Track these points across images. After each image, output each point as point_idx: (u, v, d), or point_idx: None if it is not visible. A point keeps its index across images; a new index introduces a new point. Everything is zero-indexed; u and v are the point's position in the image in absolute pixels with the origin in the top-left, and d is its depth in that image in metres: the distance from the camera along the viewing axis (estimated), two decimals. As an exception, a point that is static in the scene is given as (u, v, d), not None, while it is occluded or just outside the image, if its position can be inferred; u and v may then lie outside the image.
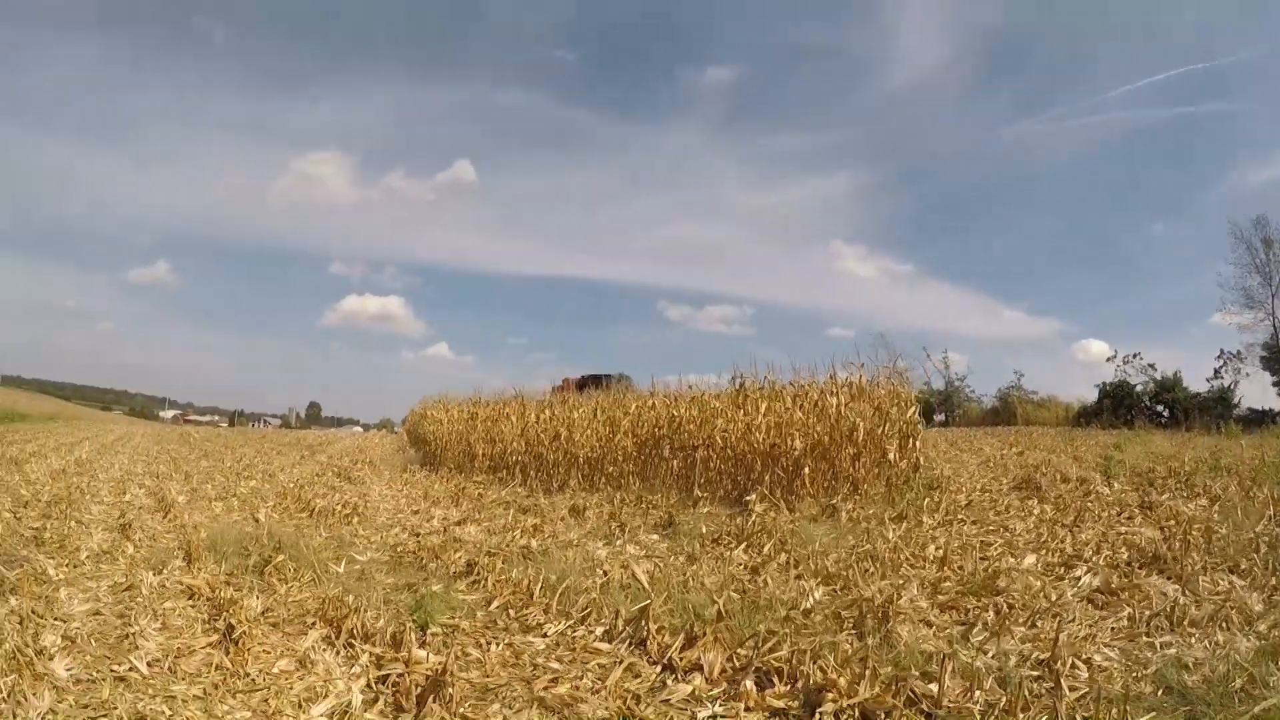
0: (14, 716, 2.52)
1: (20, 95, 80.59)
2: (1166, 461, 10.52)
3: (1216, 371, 23.37)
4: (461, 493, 9.91)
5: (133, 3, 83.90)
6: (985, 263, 71.65)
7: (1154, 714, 2.41)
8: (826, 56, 74.62)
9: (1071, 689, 2.64)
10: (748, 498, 7.67)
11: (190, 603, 4.02)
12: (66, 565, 4.70)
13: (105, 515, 6.63)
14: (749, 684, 2.72)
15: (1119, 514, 6.53)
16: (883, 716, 2.50)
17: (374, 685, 2.91)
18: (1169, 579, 4.25)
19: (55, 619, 3.55)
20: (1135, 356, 24.34)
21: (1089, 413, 23.39)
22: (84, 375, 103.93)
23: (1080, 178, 64.62)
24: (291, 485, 9.92)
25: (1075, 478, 9.16)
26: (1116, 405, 22.73)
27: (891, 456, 8.06)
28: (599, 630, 3.51)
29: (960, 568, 4.63)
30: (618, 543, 5.94)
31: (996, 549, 5.22)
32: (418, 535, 6.42)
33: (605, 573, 4.65)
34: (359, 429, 45.73)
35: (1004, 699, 2.54)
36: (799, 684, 2.70)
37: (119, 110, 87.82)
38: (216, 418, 69.78)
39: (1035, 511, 6.80)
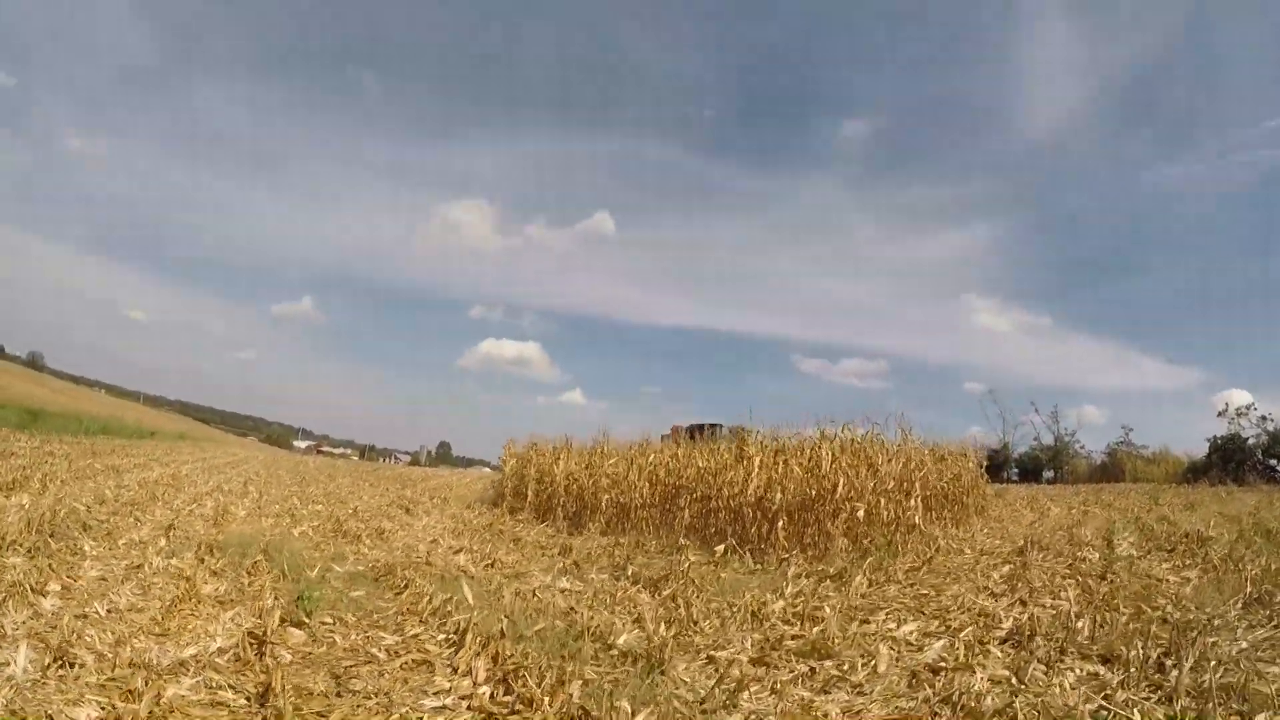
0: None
1: (184, 131, 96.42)
2: (1223, 525, 9.69)
3: None
4: (495, 528, 11.01)
5: (288, 52, 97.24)
6: (1125, 313, 70.59)
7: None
8: (961, 107, 74.91)
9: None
10: (718, 547, 8.17)
11: (171, 580, 5.28)
12: (103, 547, 6.20)
13: (163, 518, 8.29)
14: (484, 689, 3.44)
15: (1069, 580, 6.37)
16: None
17: (242, 641, 3.90)
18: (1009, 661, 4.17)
19: (67, 576, 4.91)
20: (1250, 408, 22.00)
21: (1197, 469, 21.32)
22: (227, 402, 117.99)
23: (1222, 220, 62.75)
24: (350, 512, 11.47)
25: (1089, 539, 8.67)
26: (1226, 460, 20.57)
27: (860, 515, 8.20)
28: (440, 636, 4.32)
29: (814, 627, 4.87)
30: (563, 579, 6.68)
31: (884, 616, 5.32)
32: (409, 557, 7.50)
33: (502, 596, 5.45)
34: (487, 469, 48.92)
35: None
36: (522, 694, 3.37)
37: (273, 150, 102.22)
38: (349, 451, 76.96)
39: (997, 575, 6.73)
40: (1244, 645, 4.25)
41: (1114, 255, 71.12)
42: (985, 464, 28.56)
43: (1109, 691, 3.61)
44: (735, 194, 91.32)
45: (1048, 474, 27.90)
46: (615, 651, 4.16)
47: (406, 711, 3.23)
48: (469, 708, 3.30)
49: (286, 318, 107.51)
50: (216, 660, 3.63)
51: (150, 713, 2.92)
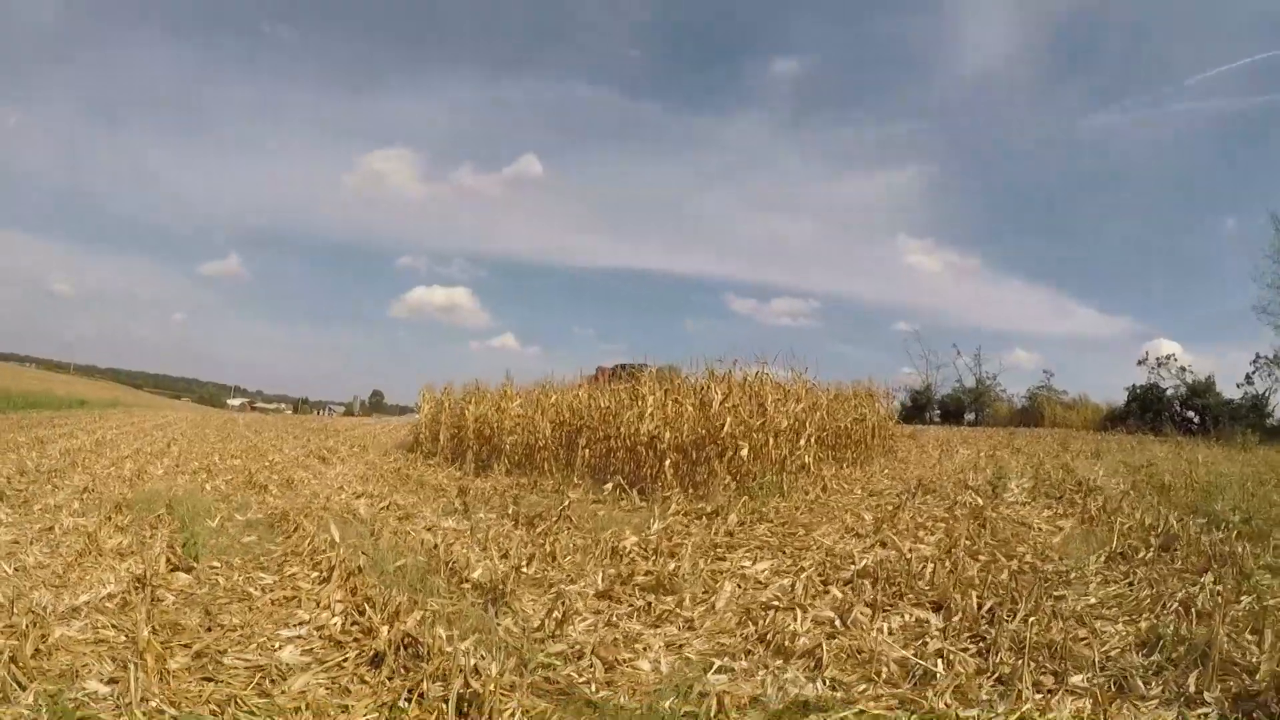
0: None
1: (96, 95, 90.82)
2: (1122, 475, 10.78)
3: (1248, 377, 22.60)
4: (403, 473, 11.73)
5: (201, 10, 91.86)
6: (1056, 259, 72.74)
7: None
8: (893, 47, 75.05)
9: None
10: (605, 485, 9.06)
11: (78, 538, 5.85)
12: (19, 514, 6.71)
13: (81, 482, 8.74)
14: (336, 620, 4.14)
15: (940, 524, 6.91)
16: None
17: (129, 586, 4.55)
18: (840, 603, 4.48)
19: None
20: (1170, 359, 23.74)
21: (1116, 416, 23.08)
22: (162, 366, 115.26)
23: (1155, 171, 64.64)
24: (265, 465, 12.01)
25: (978, 484, 9.36)
26: (1144, 409, 22.32)
27: (743, 454, 9.10)
28: (314, 574, 5.05)
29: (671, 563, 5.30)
30: (449, 519, 7.45)
31: (742, 554, 5.81)
32: (310, 504, 8.13)
33: (380, 536, 6.21)
34: (417, 416, 49.16)
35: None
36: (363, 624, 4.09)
37: (191, 109, 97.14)
38: (282, 405, 76.38)
39: (869, 517, 7.26)
40: (1092, 601, 4.49)
41: (1047, 201, 73.85)
42: (909, 405, 30.55)
43: (928, 639, 3.82)
44: (664, 134, 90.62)
45: (969, 416, 29.49)
46: (469, 585, 4.93)
47: (265, 640, 3.90)
48: (321, 637, 4.00)
49: (214, 277, 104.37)
50: (105, 605, 4.28)
51: (37, 650, 3.54)
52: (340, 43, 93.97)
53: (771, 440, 9.69)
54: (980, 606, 4.22)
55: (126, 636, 3.82)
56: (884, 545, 6.00)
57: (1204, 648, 3.47)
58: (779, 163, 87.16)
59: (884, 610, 4.30)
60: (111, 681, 3.19)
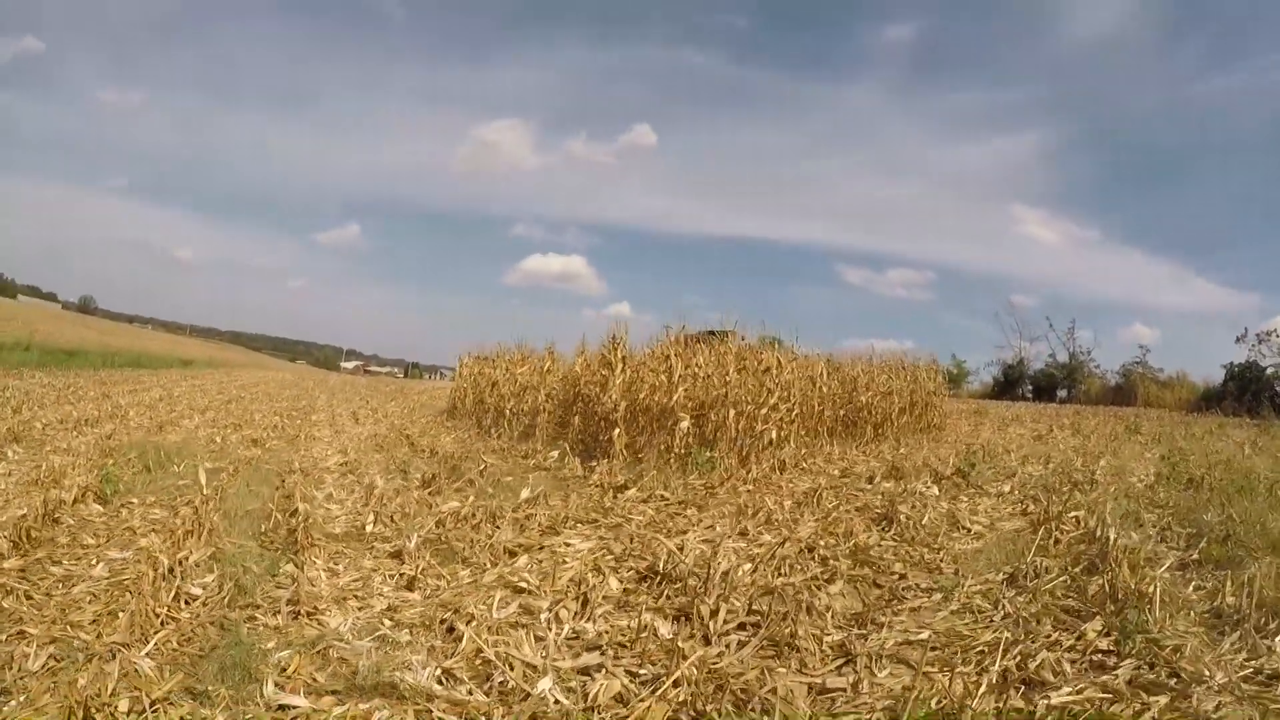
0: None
1: (215, 75, 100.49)
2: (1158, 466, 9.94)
3: None
4: (406, 435, 12.77)
5: None
6: (1180, 231, 69.38)
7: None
8: (1008, 10, 69.72)
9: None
10: (553, 452, 9.53)
11: (45, 472, 7.04)
12: (27, 453, 8.11)
13: (109, 430, 10.28)
14: (161, 548, 4.91)
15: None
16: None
17: (33, 510, 5.53)
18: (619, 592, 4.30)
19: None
20: (1271, 335, 20.97)
21: (1212, 396, 20.87)
22: (280, 329, 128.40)
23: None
24: (302, 422, 13.45)
25: (950, 473, 8.79)
26: (1242, 389, 20.02)
27: (684, 426, 9.22)
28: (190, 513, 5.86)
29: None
30: (382, 479, 8.13)
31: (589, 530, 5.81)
32: (282, 458, 9.19)
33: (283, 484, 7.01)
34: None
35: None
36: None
37: (305, 86, 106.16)
38: (395, 369, 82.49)
39: (790, 502, 7.12)
40: (892, 641, 3.64)
41: (1166, 169, 67.43)
42: (1001, 380, 28.78)
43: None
44: (777, 101, 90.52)
45: (1061, 393, 27.80)
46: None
47: (111, 558, 4.74)
48: (146, 558, 4.77)
49: (333, 245, 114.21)
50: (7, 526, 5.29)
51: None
52: (448, 16, 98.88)
53: (732, 414, 9.74)
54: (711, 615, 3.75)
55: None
56: (743, 534, 5.77)
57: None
58: (891, 129, 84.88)
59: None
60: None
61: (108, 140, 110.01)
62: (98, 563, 4.54)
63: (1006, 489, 8.16)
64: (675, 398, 9.48)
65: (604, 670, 3.13)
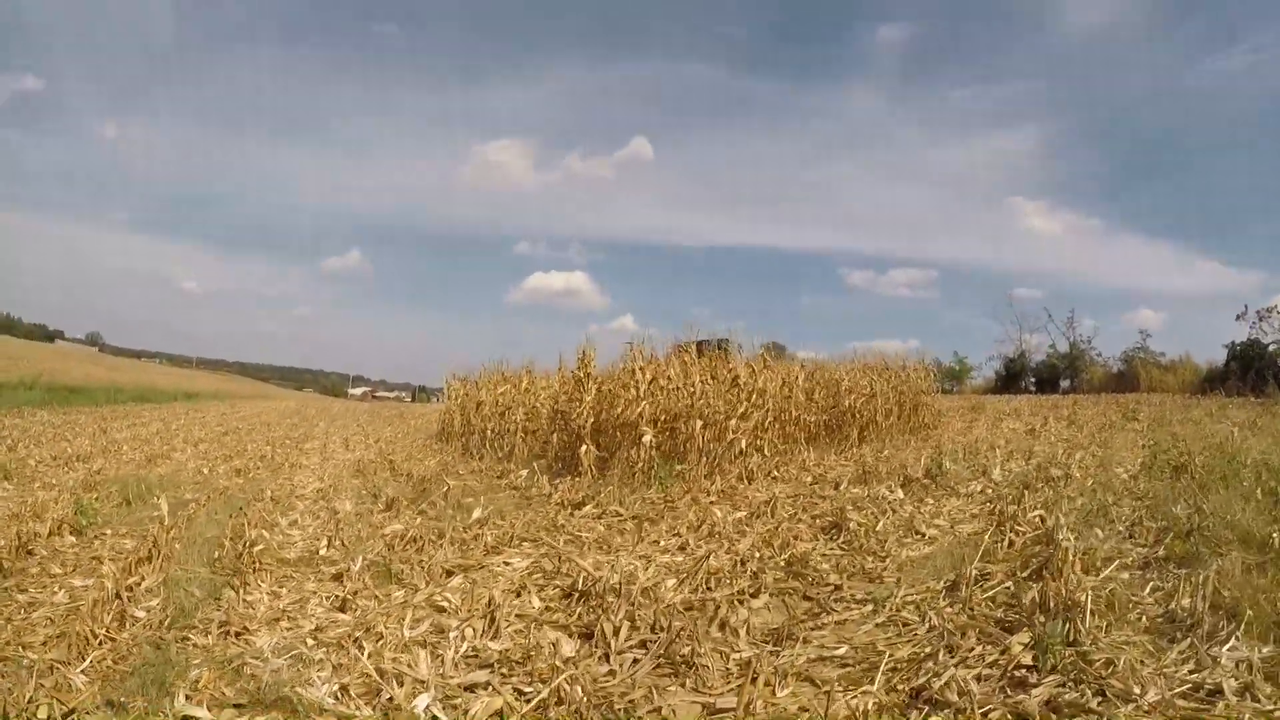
0: None
1: (215, 105, 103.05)
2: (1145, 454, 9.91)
3: None
4: (389, 460, 13.12)
5: (307, 17, 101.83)
6: (1180, 214, 70.89)
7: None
8: (998, 5, 71.30)
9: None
10: (524, 471, 9.83)
11: (27, 505, 7.42)
12: (17, 490, 8.52)
13: (99, 466, 10.71)
14: (114, 575, 5.26)
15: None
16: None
17: (9, 541, 5.90)
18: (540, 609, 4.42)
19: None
20: (1272, 311, 20.95)
21: (1215, 377, 20.93)
22: (287, 358, 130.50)
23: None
24: (293, 450, 13.85)
25: (920, 475, 8.59)
26: (1245, 369, 20.07)
27: (646, 440, 9.47)
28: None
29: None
30: (349, 503, 8.44)
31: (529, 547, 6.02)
32: (263, 488, 9.56)
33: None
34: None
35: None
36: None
37: (306, 113, 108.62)
38: (402, 394, 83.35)
39: (744, 512, 7.17)
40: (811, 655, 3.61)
41: (1165, 155, 68.70)
42: (1003, 374, 28.90)
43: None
44: (773, 109, 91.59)
45: (1064, 384, 27.95)
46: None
47: (74, 585, 5.07)
48: (105, 586, 5.08)
49: (339, 271, 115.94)
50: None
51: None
52: (445, 38, 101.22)
53: (699, 425, 9.98)
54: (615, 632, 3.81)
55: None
56: (682, 549, 5.83)
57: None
58: (889, 131, 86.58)
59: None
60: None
61: (110, 174, 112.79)
62: (60, 590, 4.89)
63: (977, 489, 7.95)
64: (639, 410, 9.73)
65: (490, 688, 3.26)
